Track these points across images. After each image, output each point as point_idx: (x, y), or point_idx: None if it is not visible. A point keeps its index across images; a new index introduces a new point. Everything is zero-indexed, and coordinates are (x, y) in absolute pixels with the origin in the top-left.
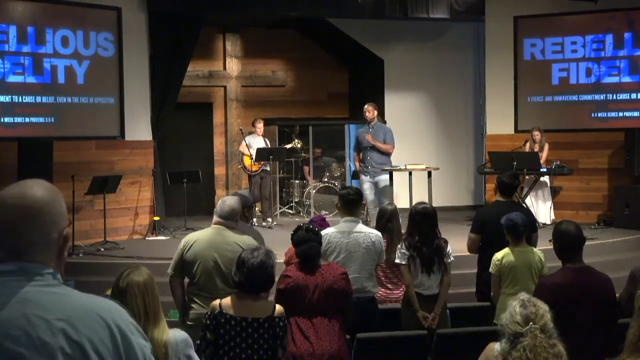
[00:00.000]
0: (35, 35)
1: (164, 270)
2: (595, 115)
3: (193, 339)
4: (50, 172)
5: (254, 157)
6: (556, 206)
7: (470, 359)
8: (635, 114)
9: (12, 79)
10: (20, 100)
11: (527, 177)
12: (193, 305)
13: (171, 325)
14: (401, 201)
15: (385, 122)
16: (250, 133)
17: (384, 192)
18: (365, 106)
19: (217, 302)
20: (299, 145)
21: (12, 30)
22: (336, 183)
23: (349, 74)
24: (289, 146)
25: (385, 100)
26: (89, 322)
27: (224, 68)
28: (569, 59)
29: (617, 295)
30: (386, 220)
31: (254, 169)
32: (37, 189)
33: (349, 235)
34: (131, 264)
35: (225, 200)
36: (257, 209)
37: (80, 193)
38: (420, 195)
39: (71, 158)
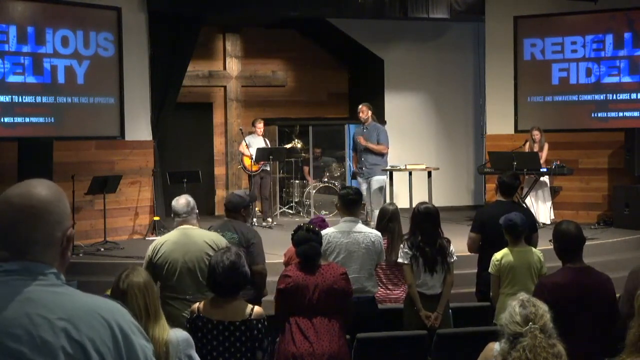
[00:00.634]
0: (35, 35)
1: None
2: (595, 115)
3: None
4: (50, 172)
5: (254, 157)
6: (556, 206)
7: (470, 359)
8: (635, 114)
9: (12, 79)
10: (20, 100)
11: (527, 177)
12: (166, 308)
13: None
14: (401, 201)
15: (385, 123)
16: (250, 133)
17: (376, 193)
18: (360, 106)
19: (196, 305)
20: (299, 145)
21: (12, 30)
22: (336, 183)
23: (349, 74)
24: (289, 146)
25: (385, 100)
26: (90, 322)
27: (224, 68)
28: (569, 59)
29: (617, 295)
30: (387, 220)
31: (254, 169)
32: (41, 188)
33: (349, 235)
34: (131, 264)
35: (179, 199)
36: (257, 209)
37: (80, 193)
38: (420, 195)
39: (71, 158)
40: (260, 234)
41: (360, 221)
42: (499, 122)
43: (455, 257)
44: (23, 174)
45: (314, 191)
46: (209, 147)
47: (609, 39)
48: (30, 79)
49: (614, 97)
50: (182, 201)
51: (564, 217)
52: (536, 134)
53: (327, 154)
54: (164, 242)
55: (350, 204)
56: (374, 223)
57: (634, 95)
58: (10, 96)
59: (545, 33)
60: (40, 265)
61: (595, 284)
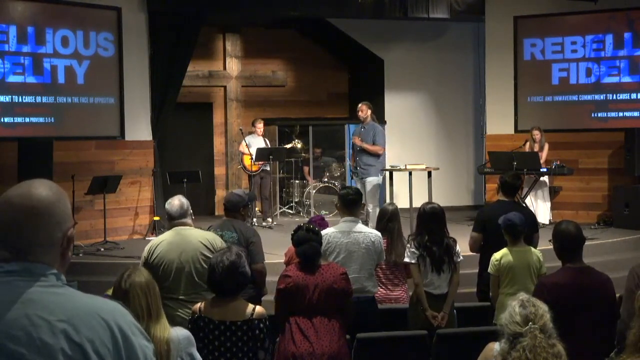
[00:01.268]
0: (35, 35)
1: None
2: (595, 115)
3: None
4: (50, 172)
5: (254, 157)
6: (556, 206)
7: (470, 359)
8: (635, 114)
9: (12, 79)
10: (20, 100)
11: (527, 177)
12: (164, 308)
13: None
14: (401, 201)
15: (385, 123)
16: (250, 133)
17: (371, 194)
18: (359, 105)
19: (197, 306)
20: (299, 145)
21: (12, 30)
22: (336, 183)
23: (349, 74)
24: (289, 146)
25: (385, 100)
26: (90, 323)
27: (224, 68)
28: (569, 59)
29: (617, 295)
30: (387, 220)
31: (253, 169)
32: (42, 189)
33: (349, 235)
34: (131, 264)
35: (172, 201)
36: (257, 209)
37: (80, 193)
38: (420, 195)
39: (71, 158)
40: (260, 234)
41: (360, 221)
42: (499, 122)
43: (461, 257)
44: (23, 174)
45: (314, 191)
46: (209, 147)
47: (609, 39)
48: (30, 79)
49: (614, 97)
50: (175, 202)
51: (564, 217)
52: (536, 134)
53: (327, 154)
54: (159, 242)
55: (350, 204)
56: (372, 224)
57: (634, 95)
58: (10, 96)
59: (545, 33)
60: (41, 266)
61: (595, 284)
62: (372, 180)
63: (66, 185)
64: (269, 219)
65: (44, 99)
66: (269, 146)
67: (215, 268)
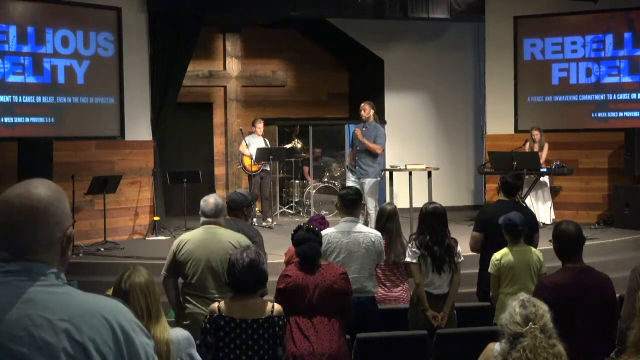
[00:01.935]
0: (35, 35)
1: None
2: (595, 115)
3: None
4: (50, 172)
5: (254, 157)
6: (556, 206)
7: (470, 359)
8: (635, 114)
9: (12, 79)
10: (20, 100)
11: (527, 177)
12: (187, 305)
13: (170, 325)
14: (401, 201)
15: (385, 123)
16: (250, 133)
17: (369, 196)
18: (362, 104)
19: (215, 305)
20: (299, 145)
21: (12, 30)
22: (336, 183)
23: (349, 74)
24: (289, 146)
25: (385, 100)
26: (91, 322)
27: (224, 68)
28: (569, 59)
29: (617, 295)
30: (385, 220)
31: (253, 169)
32: (41, 189)
33: (349, 235)
34: (131, 264)
35: (207, 199)
36: (257, 209)
37: (80, 193)
38: (420, 195)
39: (71, 158)
40: (260, 233)
41: (360, 221)
42: (499, 122)
43: (462, 258)
44: (23, 174)
45: (314, 191)
46: (209, 147)
47: (609, 39)
48: (30, 79)
49: (614, 97)
50: (211, 201)
51: (564, 217)
52: (536, 134)
53: (327, 154)
54: (189, 239)
55: (350, 203)
56: (372, 225)
57: (634, 95)
58: (10, 96)
59: (545, 33)
60: (41, 266)
61: (595, 284)
62: (370, 182)
63: (66, 185)
64: (269, 219)
65: (44, 99)
66: (269, 146)
67: (235, 265)
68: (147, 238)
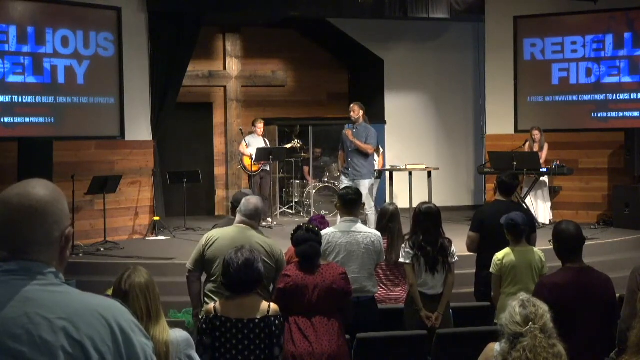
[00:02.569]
0: (35, 35)
1: (164, 270)
2: (595, 115)
3: None
4: (50, 172)
5: (254, 157)
6: (556, 206)
7: (470, 359)
8: (635, 114)
9: (12, 79)
10: (20, 100)
11: (526, 177)
12: (207, 301)
13: (170, 325)
14: (401, 201)
15: (385, 122)
16: (250, 133)
17: (365, 198)
18: (351, 105)
19: (211, 305)
20: (299, 145)
21: (12, 30)
22: (336, 183)
23: (349, 74)
24: (289, 146)
25: (385, 100)
26: (90, 321)
27: (224, 68)
28: (569, 59)
29: (617, 295)
30: (387, 220)
31: (253, 169)
32: (40, 188)
33: (349, 235)
34: (131, 264)
35: (250, 199)
36: None
37: (80, 193)
38: (420, 195)
39: (71, 158)
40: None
41: (360, 221)
42: (499, 122)
43: (456, 258)
44: (23, 174)
45: (314, 191)
46: (209, 147)
47: (609, 39)
48: (30, 79)
49: (614, 97)
50: (252, 201)
51: (564, 217)
52: (536, 134)
53: (327, 154)
54: (219, 236)
55: (350, 203)
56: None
57: (634, 95)
58: (10, 96)
59: (545, 33)
60: (39, 265)
61: (595, 284)
62: (364, 183)
63: (66, 185)
64: (269, 219)
65: (44, 99)
66: (269, 146)
67: (230, 265)
68: (147, 238)
